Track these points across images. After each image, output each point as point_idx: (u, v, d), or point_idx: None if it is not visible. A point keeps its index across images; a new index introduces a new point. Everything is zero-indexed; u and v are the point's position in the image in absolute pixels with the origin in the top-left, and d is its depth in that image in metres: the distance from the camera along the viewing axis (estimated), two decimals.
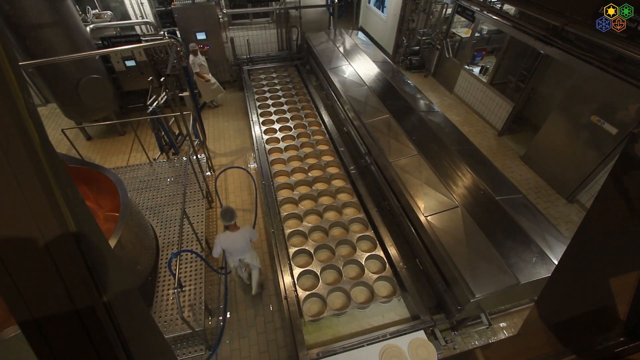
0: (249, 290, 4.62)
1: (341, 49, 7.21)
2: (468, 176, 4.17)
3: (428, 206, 3.83)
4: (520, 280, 3.05)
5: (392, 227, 4.56)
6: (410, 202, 3.91)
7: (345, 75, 6.31)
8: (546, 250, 3.34)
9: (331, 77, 6.36)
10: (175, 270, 3.31)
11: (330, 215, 4.62)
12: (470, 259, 3.25)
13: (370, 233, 4.31)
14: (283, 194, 4.89)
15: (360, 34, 8.01)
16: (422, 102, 5.57)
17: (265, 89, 7.31)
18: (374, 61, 6.66)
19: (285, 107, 6.66)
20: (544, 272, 3.15)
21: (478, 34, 8.43)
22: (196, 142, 5.94)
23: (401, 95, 5.65)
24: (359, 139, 5.34)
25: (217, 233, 5.37)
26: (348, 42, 7.56)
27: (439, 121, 5.12)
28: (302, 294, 3.68)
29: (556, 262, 3.17)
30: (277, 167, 5.30)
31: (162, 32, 7.39)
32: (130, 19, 7.66)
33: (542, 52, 5.79)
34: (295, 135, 5.92)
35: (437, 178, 4.14)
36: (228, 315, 4.36)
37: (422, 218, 3.71)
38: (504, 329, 4.31)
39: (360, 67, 6.50)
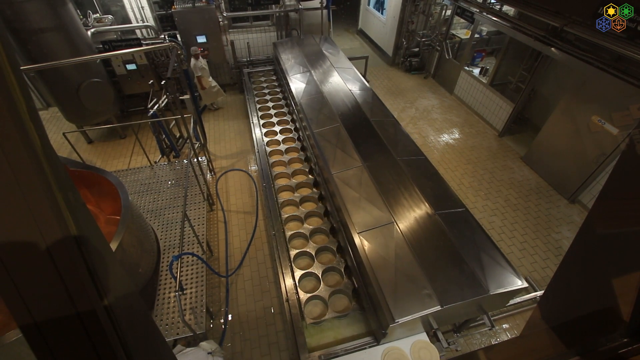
0: (252, 292, 4.62)
1: (307, 56, 7.05)
2: (410, 189, 3.90)
3: (362, 221, 3.57)
4: (443, 304, 2.87)
5: None
6: (346, 216, 3.66)
7: (304, 83, 6.14)
8: (477, 270, 3.10)
9: (290, 84, 6.19)
10: (177, 273, 3.31)
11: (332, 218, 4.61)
12: (396, 280, 3.04)
13: None
14: (284, 196, 4.89)
15: (330, 40, 7.84)
16: (378, 110, 5.36)
17: (266, 91, 7.32)
18: (337, 68, 6.52)
19: (285, 110, 6.67)
20: (470, 295, 2.93)
21: (478, 35, 8.46)
22: (197, 144, 5.95)
23: (358, 103, 5.44)
24: (310, 149, 5.07)
25: (217, 236, 5.36)
26: (316, 48, 7.39)
27: (393, 130, 4.89)
28: (303, 296, 3.67)
29: (486, 283, 3.02)
30: (278, 169, 5.30)
31: (162, 36, 7.43)
32: (131, 23, 7.70)
33: (542, 52, 5.80)
34: (296, 138, 5.93)
35: (377, 191, 3.88)
36: (229, 318, 4.35)
37: (354, 234, 3.47)
38: (507, 331, 4.29)
39: (321, 75, 6.32)
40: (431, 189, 3.92)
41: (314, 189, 5.00)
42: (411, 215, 3.62)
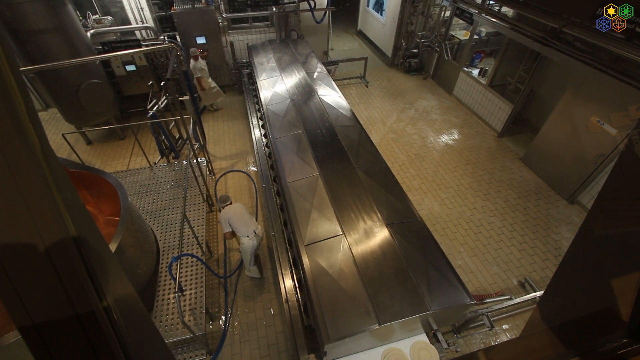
0: (251, 293, 4.62)
1: (279, 60, 6.96)
2: (364, 199, 3.75)
3: (310, 234, 3.43)
4: (381, 322, 2.76)
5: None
6: (295, 227, 3.54)
7: (272, 88, 6.02)
8: (422, 286, 3.00)
9: (259, 89, 6.10)
10: (176, 274, 3.30)
11: None
12: (337, 297, 2.93)
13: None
14: None
15: (305, 43, 7.80)
16: (344, 116, 5.23)
17: None
18: (307, 72, 6.40)
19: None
20: (410, 313, 2.83)
21: (477, 36, 8.47)
22: (196, 145, 5.95)
23: (325, 109, 5.29)
24: (274, 156, 4.89)
25: (217, 237, 5.37)
26: (289, 51, 7.29)
27: (356, 137, 4.76)
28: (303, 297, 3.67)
29: (429, 300, 2.93)
30: None
31: (162, 37, 7.43)
32: (131, 24, 7.70)
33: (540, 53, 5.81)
34: None
35: (329, 202, 3.73)
36: (229, 319, 4.34)
37: (301, 247, 3.34)
38: (507, 332, 4.29)
39: (290, 79, 6.19)
40: (387, 199, 3.79)
41: None
42: (361, 227, 3.49)
